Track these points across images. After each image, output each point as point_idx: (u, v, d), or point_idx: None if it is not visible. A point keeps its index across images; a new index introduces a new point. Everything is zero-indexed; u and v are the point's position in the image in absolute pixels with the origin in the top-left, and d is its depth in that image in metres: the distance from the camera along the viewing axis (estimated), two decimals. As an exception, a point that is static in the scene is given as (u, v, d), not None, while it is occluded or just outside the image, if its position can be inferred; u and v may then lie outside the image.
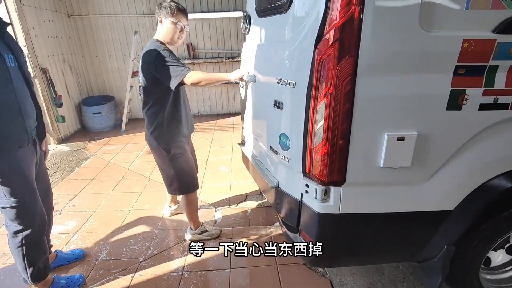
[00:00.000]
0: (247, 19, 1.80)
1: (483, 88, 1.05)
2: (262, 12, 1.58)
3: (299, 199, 1.30)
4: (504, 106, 1.08)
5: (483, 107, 1.08)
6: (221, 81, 1.73)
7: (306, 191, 1.24)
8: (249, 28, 1.79)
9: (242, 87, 2.00)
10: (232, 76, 1.74)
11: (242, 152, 2.21)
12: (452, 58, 1.01)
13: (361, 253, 1.40)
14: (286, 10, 1.24)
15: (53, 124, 4.18)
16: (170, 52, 1.70)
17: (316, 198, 1.22)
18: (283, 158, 1.36)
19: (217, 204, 2.64)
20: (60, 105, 4.21)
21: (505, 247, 1.51)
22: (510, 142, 1.17)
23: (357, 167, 1.15)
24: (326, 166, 1.16)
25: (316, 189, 1.21)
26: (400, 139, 1.09)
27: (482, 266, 1.47)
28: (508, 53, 1.01)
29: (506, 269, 1.55)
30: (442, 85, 1.04)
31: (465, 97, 1.06)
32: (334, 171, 1.16)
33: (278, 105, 1.30)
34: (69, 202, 2.75)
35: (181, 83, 1.65)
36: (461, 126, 1.10)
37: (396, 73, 1.02)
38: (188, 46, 5.12)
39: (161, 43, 1.73)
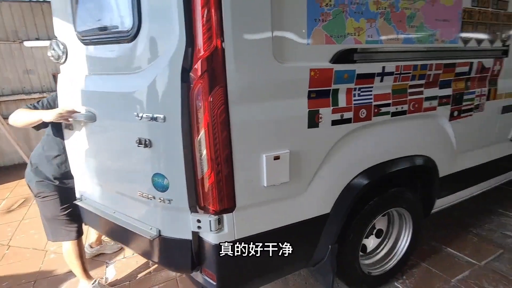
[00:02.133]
0: (62, 46, 1.50)
1: (331, 107, 1.27)
2: (91, 39, 1.36)
3: (191, 238, 1.22)
4: (349, 120, 1.33)
5: (334, 122, 1.29)
6: (33, 122, 1.50)
7: (199, 227, 1.18)
8: (66, 57, 1.52)
9: (68, 128, 1.58)
10: (49, 116, 1.43)
11: (82, 209, 1.69)
12: (304, 84, 1.18)
13: (264, 272, 1.42)
14: (132, 39, 1.16)
15: None
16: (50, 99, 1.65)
17: (211, 230, 1.18)
18: (161, 200, 1.23)
19: (108, 257, 2.24)
20: None
21: (374, 232, 1.83)
22: (360, 146, 1.43)
23: (244, 190, 1.18)
24: (215, 195, 1.14)
25: (210, 221, 1.17)
26: (276, 158, 1.18)
27: (361, 253, 1.74)
28: (343, 78, 1.26)
29: (378, 251, 1.87)
30: (301, 108, 1.20)
31: (320, 116, 1.25)
32: (224, 198, 1.15)
33: (144, 143, 1.20)
34: None
35: None
36: (322, 139, 1.29)
37: (263, 100, 1.11)
38: (54, 76, 4.39)
39: None
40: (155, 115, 1.11)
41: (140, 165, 1.27)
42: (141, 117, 1.14)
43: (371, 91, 1.35)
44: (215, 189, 1.13)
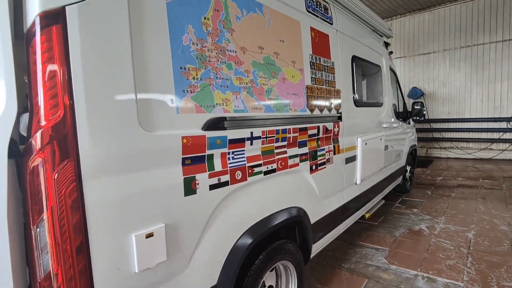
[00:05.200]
0: None
1: (208, 172, 1.27)
2: None
3: None
4: (226, 183, 1.36)
5: (212, 187, 1.29)
6: None
7: None
8: None
9: None
10: None
11: None
12: (177, 152, 1.15)
13: None
14: None
15: None
16: None
17: None
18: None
19: None
20: None
21: (265, 291, 1.80)
22: (240, 207, 1.45)
23: (108, 283, 0.96)
24: (65, 299, 0.87)
25: (56, 337, 0.87)
26: (149, 235, 1.04)
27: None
28: (216, 144, 1.31)
29: (270, 310, 1.84)
30: (175, 176, 1.15)
31: (197, 182, 1.22)
32: (78, 301, 0.89)
33: None
34: None
35: None
36: (201, 206, 1.25)
37: (128, 172, 1.00)
38: None
39: None
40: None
41: None
42: None
43: (243, 154, 1.45)
44: (65, 291, 0.87)
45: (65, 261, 0.87)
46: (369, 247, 2.95)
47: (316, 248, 2.15)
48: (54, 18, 0.87)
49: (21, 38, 0.88)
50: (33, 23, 0.86)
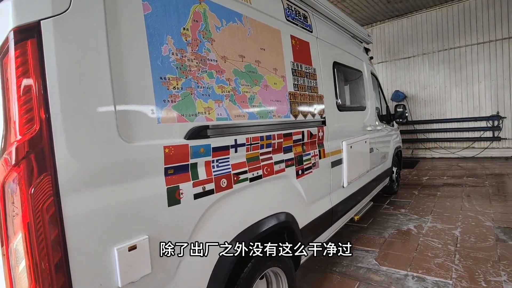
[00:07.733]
0: None
1: (192, 181, 1.27)
2: None
3: None
4: (211, 192, 1.36)
5: (197, 196, 1.28)
6: None
7: None
8: None
9: None
10: None
11: None
12: (159, 162, 1.15)
13: None
14: None
15: None
16: None
17: None
18: None
19: None
20: None
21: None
22: (226, 215, 1.45)
23: (90, 300, 0.93)
24: (44, 319, 0.84)
25: None
26: (132, 248, 1.02)
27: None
28: (199, 152, 1.31)
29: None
30: (158, 186, 1.14)
31: (181, 191, 1.21)
32: (58, 320, 0.86)
33: None
34: None
35: None
36: (186, 216, 1.24)
37: (108, 184, 0.99)
38: None
39: None
40: None
41: None
42: None
43: (228, 161, 1.45)
44: (43, 311, 0.85)
45: (44, 280, 0.85)
46: (360, 249, 2.97)
47: (307, 252, 2.15)
48: (29, 32, 0.86)
49: (-5, 53, 0.88)
50: (7, 38, 0.85)
